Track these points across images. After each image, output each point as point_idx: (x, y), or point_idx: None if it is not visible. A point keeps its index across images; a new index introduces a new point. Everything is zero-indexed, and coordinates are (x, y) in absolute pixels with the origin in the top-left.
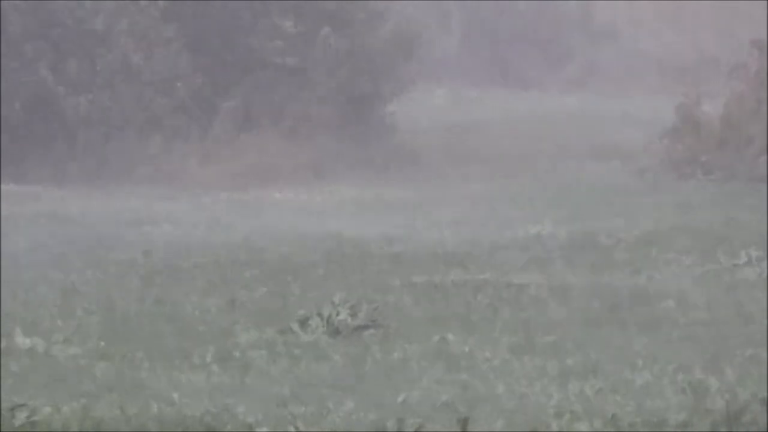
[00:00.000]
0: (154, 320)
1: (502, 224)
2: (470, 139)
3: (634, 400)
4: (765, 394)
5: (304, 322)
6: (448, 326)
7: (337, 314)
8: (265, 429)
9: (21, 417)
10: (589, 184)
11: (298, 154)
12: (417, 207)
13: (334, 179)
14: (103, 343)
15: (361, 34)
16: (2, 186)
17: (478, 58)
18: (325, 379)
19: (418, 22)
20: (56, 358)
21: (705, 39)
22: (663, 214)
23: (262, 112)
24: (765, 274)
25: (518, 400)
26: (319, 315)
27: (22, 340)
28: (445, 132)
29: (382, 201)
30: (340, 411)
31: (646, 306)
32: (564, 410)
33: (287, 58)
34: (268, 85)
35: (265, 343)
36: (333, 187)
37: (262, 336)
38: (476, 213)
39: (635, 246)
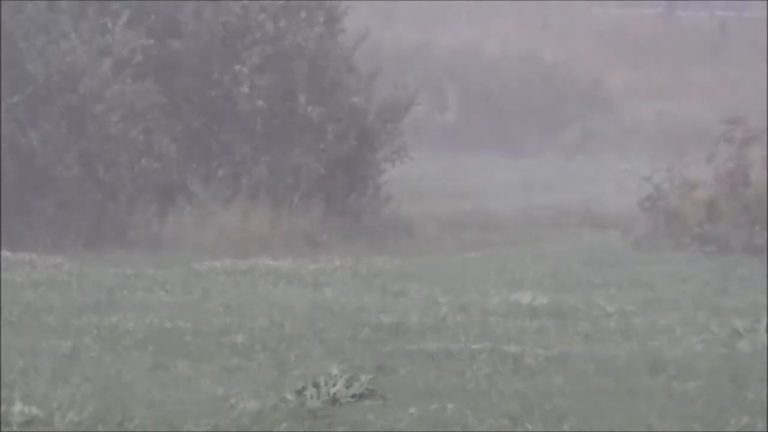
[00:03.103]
0: (149, 387)
1: (496, 292)
2: (465, 207)
3: None
4: None
5: (300, 392)
6: (444, 395)
7: (334, 384)
8: None
9: None
10: (584, 253)
11: (292, 221)
12: (410, 275)
13: (328, 247)
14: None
15: (347, 102)
16: None
17: (474, 126)
18: None
19: (412, 90)
20: (54, 425)
21: (703, 109)
22: (657, 283)
23: (255, 180)
24: (759, 345)
25: None
26: (315, 385)
27: (19, 409)
28: (440, 200)
29: (375, 269)
30: None
31: (640, 375)
32: None
33: (271, 123)
34: (259, 152)
35: (261, 412)
36: (327, 256)
37: (258, 405)
38: (469, 281)
39: (629, 315)
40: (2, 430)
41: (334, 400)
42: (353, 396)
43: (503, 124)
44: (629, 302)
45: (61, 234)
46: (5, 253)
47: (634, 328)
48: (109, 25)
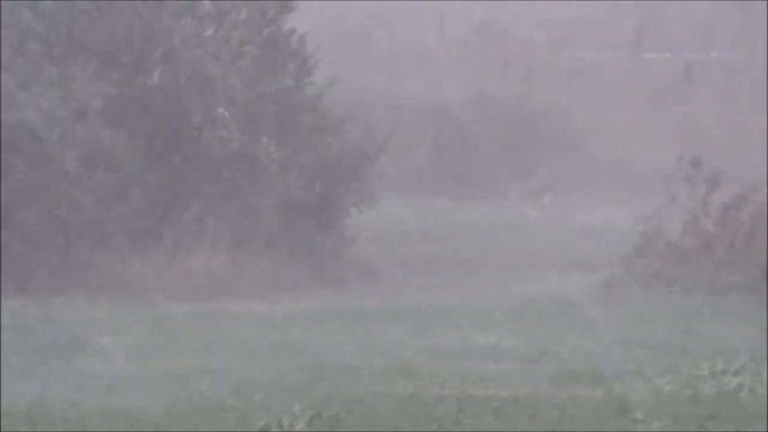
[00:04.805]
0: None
1: (462, 335)
2: (432, 250)
3: None
4: None
5: None
6: None
7: (297, 424)
8: None
9: None
10: (551, 296)
11: (258, 264)
12: (376, 317)
13: (294, 289)
14: None
15: (314, 146)
16: None
17: (441, 169)
18: None
19: (382, 137)
20: None
21: (668, 151)
22: (625, 325)
23: (221, 223)
24: (725, 387)
25: None
26: (279, 425)
27: None
28: (406, 243)
29: (342, 312)
30: None
31: (608, 418)
32: None
33: (238, 168)
34: (225, 195)
35: None
36: (293, 297)
37: None
38: (436, 323)
39: (596, 357)
40: None
41: None
42: None
43: (470, 166)
44: (597, 343)
45: (26, 277)
46: None
47: (601, 369)
48: (78, 74)
